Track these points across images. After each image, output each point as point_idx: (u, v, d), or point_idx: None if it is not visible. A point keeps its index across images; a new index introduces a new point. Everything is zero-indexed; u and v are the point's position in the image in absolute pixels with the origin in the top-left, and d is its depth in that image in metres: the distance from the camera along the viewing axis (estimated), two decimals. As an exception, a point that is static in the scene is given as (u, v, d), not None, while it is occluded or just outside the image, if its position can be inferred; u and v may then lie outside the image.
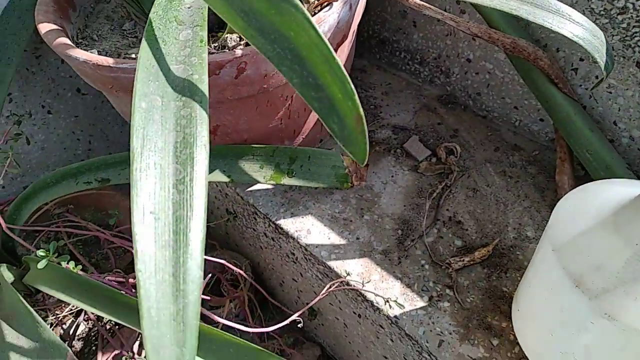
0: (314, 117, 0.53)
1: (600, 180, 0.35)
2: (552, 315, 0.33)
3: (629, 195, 0.30)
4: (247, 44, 0.46)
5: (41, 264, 0.44)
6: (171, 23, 0.35)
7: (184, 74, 0.31)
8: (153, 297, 0.24)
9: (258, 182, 0.50)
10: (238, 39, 0.46)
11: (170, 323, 0.24)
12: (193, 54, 0.32)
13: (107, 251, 0.62)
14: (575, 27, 0.38)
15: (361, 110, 0.26)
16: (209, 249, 0.69)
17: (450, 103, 0.62)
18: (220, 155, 0.50)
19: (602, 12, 0.44)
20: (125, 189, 0.57)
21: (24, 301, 0.44)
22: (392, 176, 0.55)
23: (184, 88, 0.30)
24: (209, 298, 0.59)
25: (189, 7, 0.36)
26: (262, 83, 0.43)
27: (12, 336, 0.43)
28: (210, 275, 0.60)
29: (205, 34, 0.34)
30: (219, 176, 0.50)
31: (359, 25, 0.68)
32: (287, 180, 0.50)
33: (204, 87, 0.30)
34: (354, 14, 0.46)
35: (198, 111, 0.29)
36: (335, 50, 0.47)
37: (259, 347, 0.39)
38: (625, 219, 0.29)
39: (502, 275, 0.46)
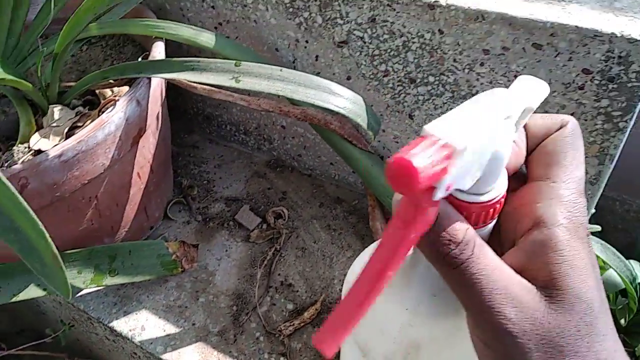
0: (132, 209, 0.52)
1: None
2: None
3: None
4: (37, 152, 0.44)
5: None
6: None
7: None
8: None
9: (78, 288, 0.48)
10: (26, 149, 0.45)
11: None
12: None
13: None
14: (337, 99, 0.43)
15: (55, 248, 0.27)
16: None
17: (279, 167, 0.65)
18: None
19: (371, 76, 0.49)
20: None
21: None
22: (226, 250, 0.56)
23: None
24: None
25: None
26: (53, 192, 0.42)
27: None
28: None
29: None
30: (34, 291, 0.47)
31: (184, 104, 0.69)
32: (109, 281, 0.49)
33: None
34: (148, 106, 0.47)
35: None
36: (137, 142, 0.48)
37: None
38: (398, 283, 0.30)
39: (334, 330, 0.48)
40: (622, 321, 0.77)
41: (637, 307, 0.74)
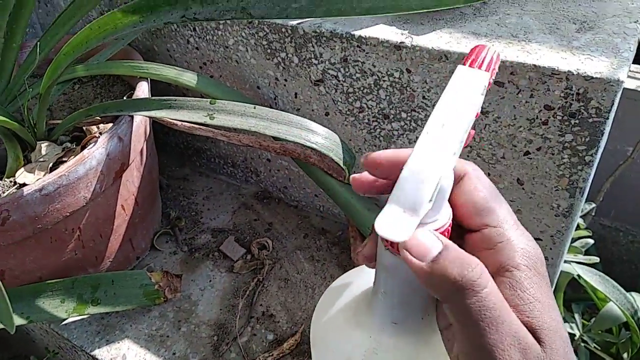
0: (116, 240, 0.54)
1: (349, 272, 0.37)
2: None
3: (363, 288, 0.32)
4: (22, 186, 0.46)
5: None
6: None
7: None
8: None
9: (60, 317, 0.49)
10: (11, 183, 0.47)
11: None
12: None
13: None
14: (310, 134, 0.44)
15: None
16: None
17: (265, 198, 0.67)
18: (14, 299, 0.48)
19: (348, 112, 0.51)
20: None
21: None
22: (210, 280, 0.57)
23: None
24: None
25: None
26: (35, 224, 0.43)
27: None
28: None
29: None
30: (16, 320, 0.48)
31: (175, 139, 0.72)
32: (92, 310, 0.50)
33: None
34: (130, 142, 0.49)
35: None
36: (120, 177, 0.49)
37: None
38: (363, 311, 0.30)
39: (311, 362, 0.48)
40: (625, 355, 0.75)
41: (641, 340, 0.72)
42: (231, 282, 0.57)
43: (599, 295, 0.73)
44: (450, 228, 0.23)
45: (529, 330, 0.20)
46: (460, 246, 0.21)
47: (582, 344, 0.77)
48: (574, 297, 0.85)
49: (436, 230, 0.22)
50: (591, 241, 0.82)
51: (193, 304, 0.55)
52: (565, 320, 0.79)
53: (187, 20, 0.38)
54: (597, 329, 0.76)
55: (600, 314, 0.75)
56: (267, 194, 0.67)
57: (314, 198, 0.63)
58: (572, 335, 0.78)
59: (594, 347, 0.78)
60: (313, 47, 0.47)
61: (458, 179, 0.24)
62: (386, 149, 0.52)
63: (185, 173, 0.72)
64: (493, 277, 0.21)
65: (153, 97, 0.46)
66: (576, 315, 0.80)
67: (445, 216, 0.23)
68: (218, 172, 0.70)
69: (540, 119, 0.41)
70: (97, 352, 0.51)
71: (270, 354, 0.49)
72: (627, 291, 0.73)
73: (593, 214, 0.88)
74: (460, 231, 0.24)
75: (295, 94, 0.53)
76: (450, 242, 0.21)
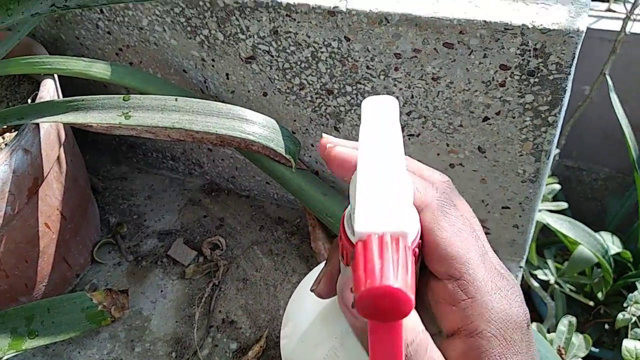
0: (47, 262, 0.48)
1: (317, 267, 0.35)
2: None
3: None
4: None
5: None
6: None
7: None
8: None
9: (-7, 358, 0.43)
10: None
11: None
12: None
13: None
14: (243, 124, 0.39)
15: None
16: None
17: (214, 191, 0.61)
18: None
19: (287, 91, 0.46)
20: None
21: None
22: (162, 291, 0.52)
23: None
24: None
25: None
26: (-63, 264, 0.37)
27: None
28: None
29: None
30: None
31: (104, 134, 0.64)
32: (29, 344, 0.44)
33: None
34: (41, 152, 0.42)
35: None
36: (36, 193, 0.43)
37: None
38: (335, 309, 0.28)
39: (279, 367, 0.45)
40: (600, 294, 0.76)
41: (613, 277, 0.72)
42: (185, 290, 0.52)
43: (570, 239, 0.72)
44: (418, 246, 0.19)
45: None
46: (423, 293, 0.18)
47: (558, 287, 0.77)
48: (545, 241, 0.85)
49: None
50: (558, 187, 0.81)
51: (145, 319, 0.50)
52: (538, 267, 0.79)
53: (57, 9, 0.31)
54: (570, 272, 0.77)
55: (572, 258, 0.75)
56: (215, 186, 0.62)
57: (266, 185, 0.58)
58: (546, 282, 0.78)
59: (569, 289, 0.78)
60: (237, 20, 0.41)
61: (419, 209, 0.19)
62: (335, 127, 0.47)
63: (122, 171, 0.65)
64: (453, 338, 0.18)
65: (58, 100, 0.39)
66: (549, 261, 0.80)
67: (412, 230, 0.19)
68: (158, 167, 0.64)
69: (497, 81, 0.37)
70: (42, 388, 0.46)
71: (234, 365, 0.45)
72: (596, 230, 0.73)
73: (557, 158, 0.87)
74: (426, 272, 0.20)
75: (227, 74, 0.47)
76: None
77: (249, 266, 0.53)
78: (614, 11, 0.78)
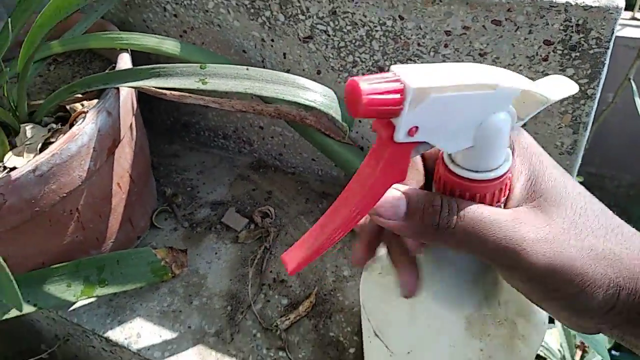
0: (116, 220, 0.52)
1: None
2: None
3: None
4: (12, 170, 0.44)
5: None
6: None
7: None
8: None
9: (69, 301, 0.48)
10: (1, 168, 0.45)
11: None
12: None
13: None
14: (307, 93, 0.43)
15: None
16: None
17: (261, 167, 0.65)
18: (19, 286, 0.47)
19: (340, 68, 0.50)
20: None
21: None
22: (216, 253, 0.56)
23: None
24: None
25: None
26: (33, 207, 0.42)
27: None
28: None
29: None
30: (25, 308, 0.47)
31: (160, 115, 0.69)
32: (100, 291, 0.49)
33: None
34: (119, 117, 0.47)
35: None
36: (113, 153, 0.48)
37: None
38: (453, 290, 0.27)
39: (327, 322, 0.49)
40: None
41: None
42: (237, 253, 0.56)
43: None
44: (508, 182, 0.23)
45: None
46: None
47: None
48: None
49: (492, 180, 0.22)
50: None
51: (202, 277, 0.54)
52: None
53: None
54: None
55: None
56: (263, 162, 0.66)
57: (312, 162, 0.62)
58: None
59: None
60: (299, 1, 0.46)
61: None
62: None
63: (175, 150, 0.70)
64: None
65: (139, 67, 0.44)
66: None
67: (503, 166, 0.22)
68: (209, 146, 0.69)
69: (541, 55, 0.40)
70: (110, 334, 0.50)
71: (287, 318, 0.49)
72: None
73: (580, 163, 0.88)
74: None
75: (284, 54, 0.51)
76: (410, 191, 0.22)
77: (296, 233, 0.57)
78: (638, 19, 0.81)
